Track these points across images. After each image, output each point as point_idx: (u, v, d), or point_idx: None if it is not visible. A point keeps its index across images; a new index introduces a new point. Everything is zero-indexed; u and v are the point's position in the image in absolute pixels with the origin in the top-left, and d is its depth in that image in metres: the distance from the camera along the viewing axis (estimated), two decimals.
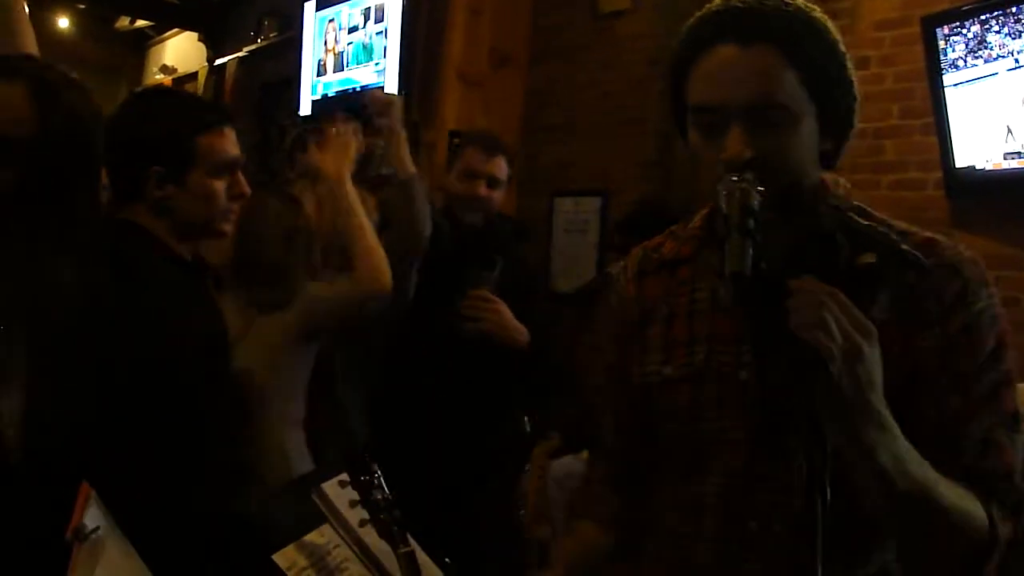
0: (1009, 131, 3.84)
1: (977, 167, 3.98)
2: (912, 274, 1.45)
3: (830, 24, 1.50)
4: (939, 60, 4.06)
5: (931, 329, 1.45)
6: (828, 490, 1.19)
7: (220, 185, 2.37)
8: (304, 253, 3.05)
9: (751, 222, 1.28)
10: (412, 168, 3.33)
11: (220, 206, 2.39)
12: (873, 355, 1.26)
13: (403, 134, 3.39)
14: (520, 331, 3.25)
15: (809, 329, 1.22)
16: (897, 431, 1.31)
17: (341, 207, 3.09)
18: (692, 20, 1.53)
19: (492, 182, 3.42)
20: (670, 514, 1.64)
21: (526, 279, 3.48)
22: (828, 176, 1.56)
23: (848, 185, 1.59)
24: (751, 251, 1.25)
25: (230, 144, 2.40)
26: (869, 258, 1.29)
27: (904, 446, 1.32)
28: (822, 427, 1.22)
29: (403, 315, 3.35)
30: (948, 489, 1.36)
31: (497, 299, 3.25)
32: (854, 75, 1.51)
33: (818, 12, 1.50)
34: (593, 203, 5.77)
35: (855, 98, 1.51)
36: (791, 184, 1.46)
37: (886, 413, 1.29)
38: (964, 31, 3.94)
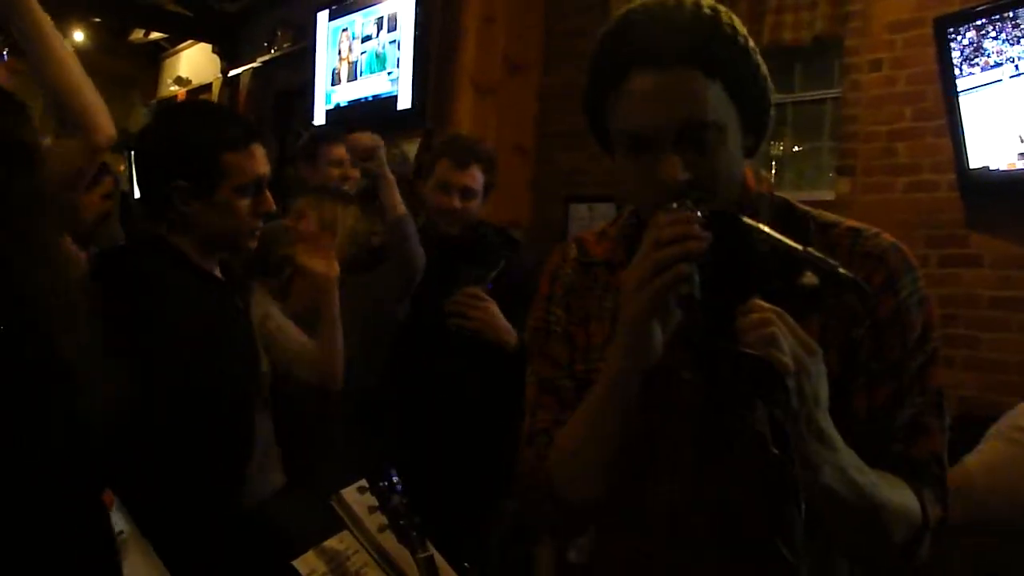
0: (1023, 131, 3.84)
1: (991, 167, 3.98)
2: (851, 296, 1.46)
3: (735, 19, 1.48)
4: (952, 61, 4.07)
5: (861, 321, 1.48)
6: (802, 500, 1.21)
7: (245, 203, 2.39)
8: None
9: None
10: (402, 208, 3.36)
11: (245, 223, 2.41)
12: (819, 372, 1.30)
13: (390, 177, 3.41)
14: (509, 332, 3.23)
15: (762, 346, 1.24)
16: (839, 443, 1.34)
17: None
18: (601, 40, 1.50)
19: (466, 193, 3.39)
20: (621, 514, 1.64)
21: (524, 284, 3.46)
22: (748, 170, 1.57)
23: (769, 177, 1.60)
24: (696, 275, 1.26)
25: (257, 163, 2.41)
26: (811, 279, 1.30)
27: (846, 457, 1.36)
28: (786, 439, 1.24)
29: (393, 340, 3.38)
30: (887, 488, 1.41)
31: (487, 298, 3.25)
32: (759, 59, 1.50)
33: (722, 10, 1.47)
34: (607, 209, 5.78)
35: (768, 88, 1.51)
36: (727, 199, 1.47)
37: (831, 430, 1.33)
38: (977, 32, 3.94)
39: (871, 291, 1.43)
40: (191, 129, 2.40)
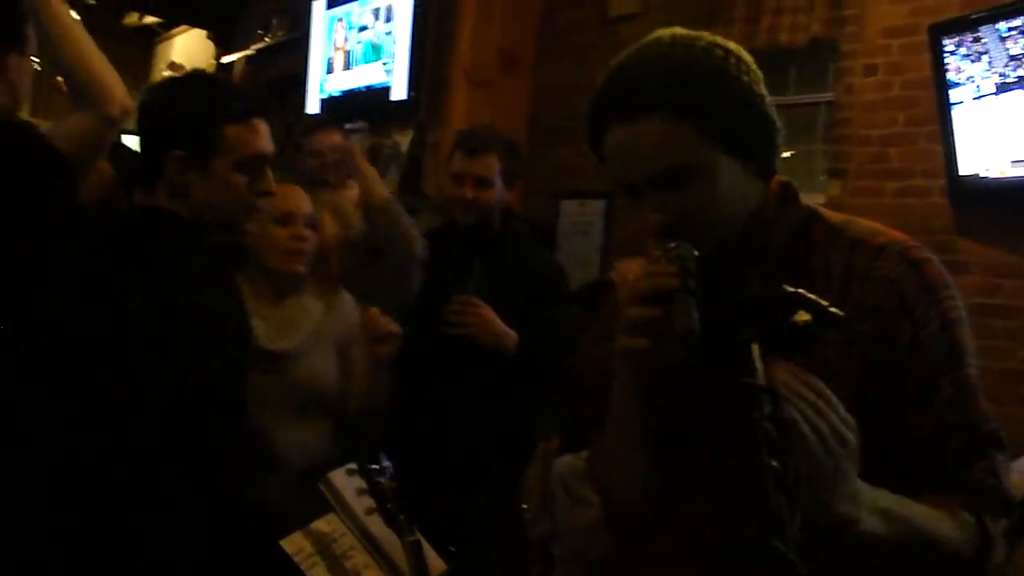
0: (1014, 139, 3.87)
1: (981, 175, 4.00)
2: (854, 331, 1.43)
3: (716, 49, 1.46)
4: (945, 68, 4.09)
5: (877, 345, 1.45)
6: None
7: (243, 179, 2.31)
8: None
9: (691, 283, 1.31)
10: (384, 194, 3.38)
11: (242, 200, 2.33)
12: (854, 450, 1.27)
13: (369, 169, 3.44)
14: (507, 335, 3.25)
15: (803, 436, 1.23)
16: (869, 493, 1.32)
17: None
18: (592, 99, 1.53)
19: (479, 182, 3.38)
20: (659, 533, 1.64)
21: (543, 282, 3.46)
22: (774, 185, 1.56)
23: (794, 187, 1.60)
24: (695, 310, 1.27)
25: (259, 138, 2.34)
26: (803, 317, 1.30)
27: (883, 498, 1.34)
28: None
29: (407, 318, 3.38)
30: (935, 516, 1.39)
31: (481, 303, 3.26)
32: (756, 84, 1.49)
33: (701, 42, 1.47)
34: (598, 206, 5.79)
35: (762, 109, 1.50)
36: (726, 230, 1.48)
37: (861, 487, 1.31)
38: (971, 39, 3.96)
39: (865, 328, 1.42)
40: (192, 97, 2.34)
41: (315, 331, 2.85)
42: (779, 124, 1.53)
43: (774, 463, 1.13)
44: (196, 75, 2.91)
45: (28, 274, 1.83)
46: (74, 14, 2.45)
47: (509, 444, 3.38)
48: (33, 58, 2.44)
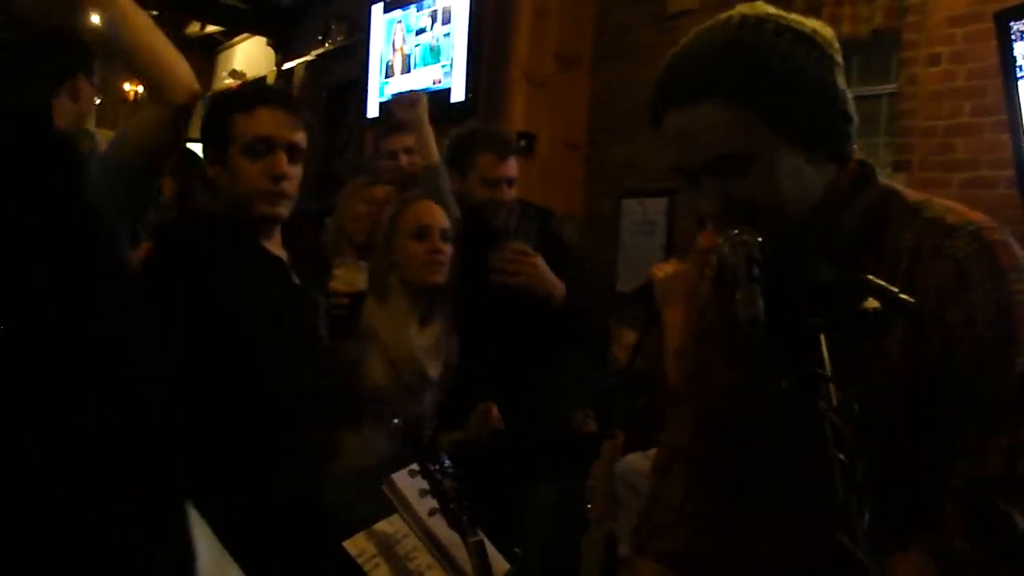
0: None
1: None
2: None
3: (787, 33, 1.41)
4: (1013, 55, 4.00)
5: (932, 324, 1.38)
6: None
7: (251, 164, 2.39)
8: None
9: (756, 271, 1.29)
10: (437, 156, 3.41)
11: (253, 185, 2.40)
12: None
13: (428, 126, 3.46)
14: (557, 285, 3.25)
15: None
16: None
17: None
18: (654, 84, 1.51)
19: (510, 183, 3.43)
20: (749, 536, 1.62)
21: (557, 248, 3.47)
22: (853, 166, 1.51)
23: (872, 167, 1.54)
24: (761, 298, 1.25)
25: (260, 123, 2.41)
26: (873, 303, 1.26)
27: None
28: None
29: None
30: None
31: (533, 252, 3.26)
32: (827, 71, 1.43)
33: (771, 24, 1.42)
34: (659, 204, 5.75)
35: (831, 101, 1.44)
36: (790, 217, 1.44)
37: None
38: None
39: (944, 294, 1.37)
40: (216, 99, 2.55)
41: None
42: (852, 114, 1.47)
43: (841, 456, 1.10)
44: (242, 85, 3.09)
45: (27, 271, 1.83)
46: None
47: (560, 435, 3.36)
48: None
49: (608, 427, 3.39)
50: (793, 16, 1.45)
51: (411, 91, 3.63)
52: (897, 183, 4.29)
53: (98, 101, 2.99)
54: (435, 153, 3.42)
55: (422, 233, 2.92)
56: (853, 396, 1.19)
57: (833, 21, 4.86)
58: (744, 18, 1.43)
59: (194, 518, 1.30)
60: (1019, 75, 3.99)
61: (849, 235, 1.47)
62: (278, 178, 2.41)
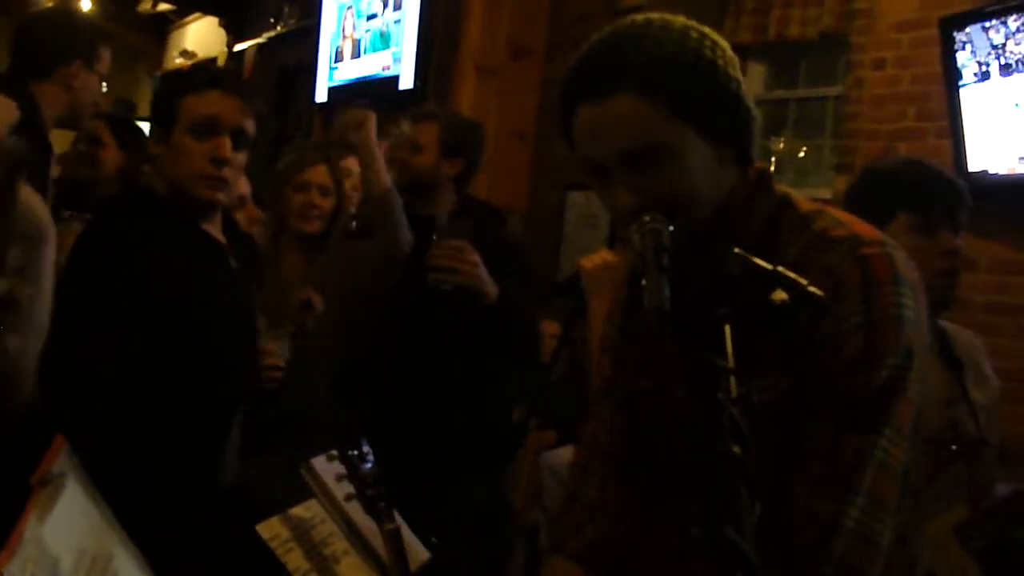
0: None
1: (990, 171, 3.94)
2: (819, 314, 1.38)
3: (692, 31, 1.44)
4: (956, 62, 4.03)
5: (803, 338, 1.39)
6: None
7: (195, 144, 2.34)
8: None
9: (665, 258, 1.27)
10: (386, 183, 3.32)
11: (195, 166, 2.35)
12: None
13: (377, 151, 3.37)
14: (493, 285, 3.17)
15: None
16: None
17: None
18: (563, 78, 1.50)
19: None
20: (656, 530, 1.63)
21: (504, 256, 3.40)
22: (751, 173, 1.53)
23: (770, 175, 1.56)
24: (667, 287, 1.24)
25: (209, 103, 2.36)
26: (781, 295, 1.25)
27: None
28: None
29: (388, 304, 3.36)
30: None
31: (473, 250, 3.16)
32: (731, 67, 1.45)
33: (677, 24, 1.45)
34: None
35: (737, 94, 1.46)
36: (699, 212, 1.45)
37: None
38: (982, 33, 3.90)
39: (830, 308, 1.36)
40: (167, 78, 2.52)
41: None
42: (755, 111, 1.49)
43: (735, 449, 1.08)
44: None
45: None
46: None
47: (486, 428, 3.31)
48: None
49: (531, 419, 3.35)
50: (692, 22, 1.48)
51: (359, 106, 3.55)
52: (841, 185, 4.31)
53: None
54: (385, 180, 3.34)
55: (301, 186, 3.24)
56: (754, 389, 1.18)
57: (781, 23, 4.89)
58: (649, 19, 1.46)
59: (86, 486, 1.25)
60: (961, 82, 4.02)
61: (746, 238, 1.47)
62: (220, 162, 2.35)
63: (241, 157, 2.41)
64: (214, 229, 2.46)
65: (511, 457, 3.28)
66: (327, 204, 3.35)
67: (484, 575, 3.04)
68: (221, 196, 2.41)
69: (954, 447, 2.42)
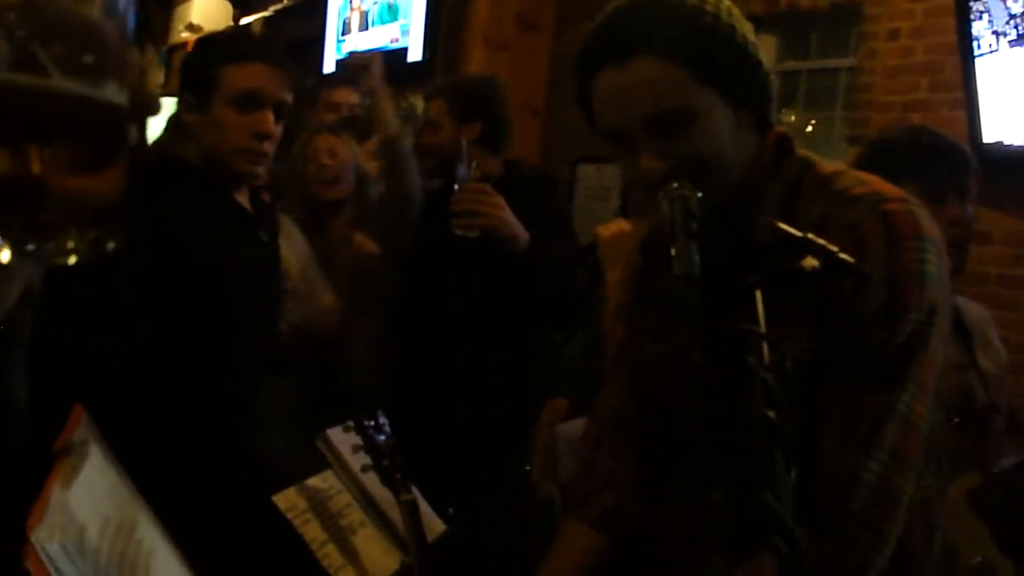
0: None
1: (1005, 143, 3.92)
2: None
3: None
4: (971, 33, 3.99)
5: (829, 297, 1.40)
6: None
7: (236, 118, 2.31)
8: None
9: (694, 225, 1.27)
10: (395, 127, 3.31)
11: (236, 140, 2.32)
12: None
13: (385, 92, 3.36)
14: (521, 229, 2.92)
15: None
16: None
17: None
18: (581, 46, 1.50)
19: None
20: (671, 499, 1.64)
21: (546, 220, 3.20)
22: (772, 138, 1.53)
23: (791, 139, 1.55)
24: (696, 253, 1.23)
25: (252, 76, 2.32)
26: (811, 262, 1.24)
27: None
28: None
29: (408, 259, 3.33)
30: None
31: (495, 192, 2.91)
32: (749, 33, 1.46)
33: None
34: (615, 171, 5.72)
35: (755, 57, 1.46)
36: (725, 178, 1.44)
37: None
38: (1000, 1, 3.86)
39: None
40: (203, 44, 2.54)
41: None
42: (773, 76, 1.50)
43: (770, 414, 1.07)
44: (227, 29, 3.13)
45: None
46: None
47: (511, 399, 3.26)
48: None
49: (554, 389, 3.31)
50: None
51: (366, 52, 3.54)
52: (852, 158, 4.31)
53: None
54: (393, 122, 3.32)
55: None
56: (786, 354, 1.18)
57: None
58: None
59: (107, 456, 1.25)
60: (976, 53, 3.99)
61: (772, 206, 1.48)
62: (262, 136, 2.33)
63: (279, 131, 2.40)
64: (243, 199, 2.45)
65: (531, 424, 3.23)
66: (335, 162, 3.38)
67: (500, 546, 3.02)
68: (260, 170, 2.39)
69: (956, 419, 2.41)
